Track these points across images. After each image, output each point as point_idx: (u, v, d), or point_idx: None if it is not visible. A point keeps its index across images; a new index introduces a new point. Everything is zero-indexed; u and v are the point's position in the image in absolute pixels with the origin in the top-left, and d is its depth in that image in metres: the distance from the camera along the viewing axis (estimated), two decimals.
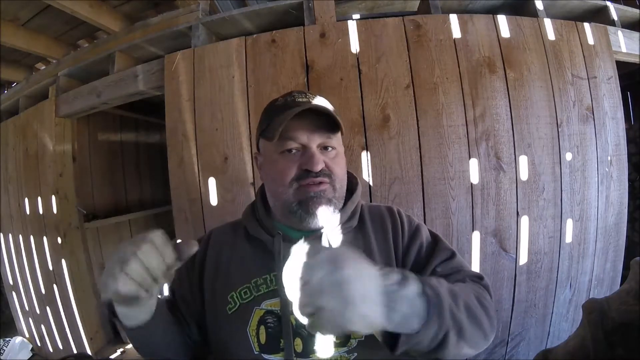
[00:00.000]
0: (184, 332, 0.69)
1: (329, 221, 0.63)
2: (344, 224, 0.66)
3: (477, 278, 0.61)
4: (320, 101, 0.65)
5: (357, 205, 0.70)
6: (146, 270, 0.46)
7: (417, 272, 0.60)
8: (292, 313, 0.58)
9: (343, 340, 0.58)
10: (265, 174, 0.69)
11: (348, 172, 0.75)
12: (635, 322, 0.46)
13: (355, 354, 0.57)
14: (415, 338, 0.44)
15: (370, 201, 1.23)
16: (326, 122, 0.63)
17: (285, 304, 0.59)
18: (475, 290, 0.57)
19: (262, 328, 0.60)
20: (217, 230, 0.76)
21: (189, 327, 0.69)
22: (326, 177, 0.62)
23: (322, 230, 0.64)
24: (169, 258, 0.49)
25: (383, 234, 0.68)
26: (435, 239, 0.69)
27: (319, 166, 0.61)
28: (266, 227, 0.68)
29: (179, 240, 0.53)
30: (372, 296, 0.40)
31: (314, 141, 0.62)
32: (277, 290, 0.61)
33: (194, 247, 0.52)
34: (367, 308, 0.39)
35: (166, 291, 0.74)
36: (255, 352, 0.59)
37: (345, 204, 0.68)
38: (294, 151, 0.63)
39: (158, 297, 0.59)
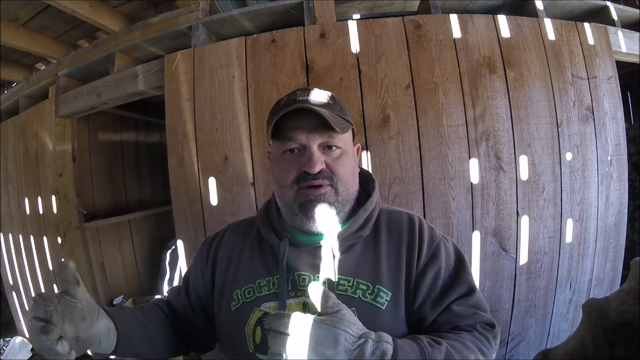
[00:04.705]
0: (175, 325, 0.70)
1: (330, 225, 0.62)
2: (354, 233, 0.63)
3: (490, 326, 0.60)
4: (318, 97, 0.63)
5: (371, 213, 0.65)
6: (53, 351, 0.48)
7: (429, 300, 0.60)
8: None
9: None
10: (271, 174, 0.68)
11: (366, 173, 0.72)
12: (635, 322, 0.46)
13: None
14: None
15: None
16: (327, 120, 0.59)
17: (282, 309, 0.60)
18: (478, 347, 0.55)
19: (259, 329, 0.60)
20: (234, 225, 0.77)
21: (197, 317, 0.71)
22: (326, 180, 0.60)
23: (327, 241, 0.63)
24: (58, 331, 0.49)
25: (397, 249, 0.63)
26: (457, 265, 0.63)
27: (317, 168, 0.59)
28: (276, 229, 0.68)
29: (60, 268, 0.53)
30: None
31: (314, 141, 0.60)
32: (276, 294, 0.61)
33: (69, 267, 0.52)
34: None
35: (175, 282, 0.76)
36: (250, 351, 0.60)
37: (357, 211, 0.64)
38: (295, 151, 0.62)
39: (127, 313, 0.63)
